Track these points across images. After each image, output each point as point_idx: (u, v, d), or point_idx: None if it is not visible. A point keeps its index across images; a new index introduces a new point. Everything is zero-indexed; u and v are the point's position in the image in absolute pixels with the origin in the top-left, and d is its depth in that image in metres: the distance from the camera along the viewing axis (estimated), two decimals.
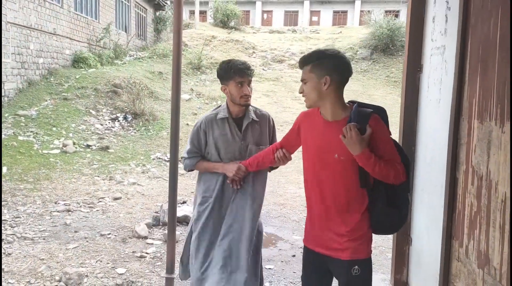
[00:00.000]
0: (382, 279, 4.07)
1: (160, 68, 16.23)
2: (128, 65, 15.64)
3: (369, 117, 1.95)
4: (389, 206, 2.02)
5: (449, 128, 2.35)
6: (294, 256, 4.97)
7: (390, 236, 4.02)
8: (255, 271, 2.60)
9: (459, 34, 2.25)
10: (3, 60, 9.99)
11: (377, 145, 1.96)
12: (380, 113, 2.04)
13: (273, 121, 2.76)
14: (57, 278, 4.18)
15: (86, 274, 4.27)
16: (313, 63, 2.00)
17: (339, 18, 36.16)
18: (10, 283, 4.08)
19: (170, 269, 3.10)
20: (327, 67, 1.98)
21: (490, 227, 1.97)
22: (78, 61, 13.99)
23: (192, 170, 2.72)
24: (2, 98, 9.98)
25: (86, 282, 4.15)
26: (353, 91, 15.71)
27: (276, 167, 2.60)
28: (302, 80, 2.06)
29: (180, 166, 3.31)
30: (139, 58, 17.33)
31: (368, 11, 30.80)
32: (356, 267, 2.02)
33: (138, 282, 4.24)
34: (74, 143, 9.01)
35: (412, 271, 2.95)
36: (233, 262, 2.52)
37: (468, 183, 2.18)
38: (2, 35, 9.87)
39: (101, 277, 4.27)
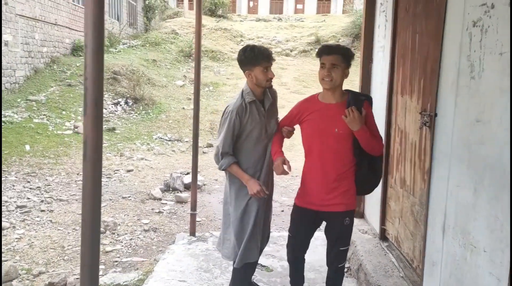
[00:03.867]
0: None
1: (153, 55, 17.11)
2: (123, 53, 16.51)
3: (363, 102, 2.51)
4: (370, 172, 2.59)
5: (386, 102, 3.53)
6: (282, 211, 6.18)
7: None
8: None
9: (391, 38, 3.42)
10: (14, 49, 10.87)
11: (367, 124, 2.49)
12: (370, 100, 2.66)
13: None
14: None
15: (119, 223, 5.41)
16: (343, 55, 2.48)
17: (323, 6, 37.21)
18: (60, 229, 5.19)
19: (193, 207, 4.26)
20: (349, 62, 2.53)
21: (406, 161, 3.16)
22: (77, 50, 14.84)
23: (224, 170, 2.77)
24: (14, 84, 10.88)
25: (120, 229, 5.29)
26: None
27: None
28: (332, 64, 2.46)
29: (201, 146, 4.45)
30: (132, 46, 18.15)
31: None
32: (347, 218, 2.60)
33: (160, 228, 5.40)
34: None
35: (366, 203, 4.16)
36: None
37: (396, 136, 3.36)
38: (13, 26, 10.74)
39: (131, 225, 5.42)
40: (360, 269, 3.33)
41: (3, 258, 4.23)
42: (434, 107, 2.61)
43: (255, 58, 2.64)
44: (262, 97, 2.79)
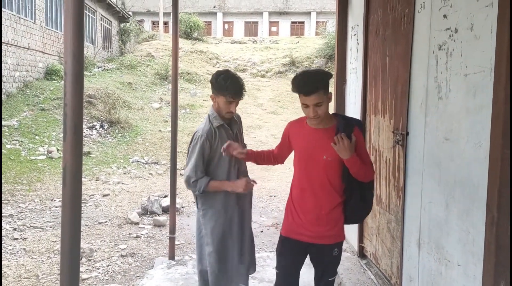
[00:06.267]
0: None
1: (129, 78, 17.06)
2: (98, 77, 16.41)
3: (353, 128, 2.33)
4: (361, 201, 2.40)
5: None
6: (262, 231, 6.17)
7: None
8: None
9: (363, 61, 3.54)
10: None
11: (357, 151, 2.30)
12: (360, 126, 2.46)
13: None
14: None
15: (95, 249, 5.29)
16: (324, 89, 2.25)
17: (297, 29, 38.04)
18: (33, 257, 5.03)
19: (172, 230, 4.22)
20: (328, 84, 2.31)
21: (381, 179, 3.24)
22: (50, 74, 14.67)
23: (204, 192, 2.65)
24: None
25: (96, 255, 5.17)
26: None
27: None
28: (316, 104, 2.24)
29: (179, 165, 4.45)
30: (107, 70, 18.07)
31: (323, 22, 32.78)
32: (336, 249, 2.43)
33: (138, 253, 5.30)
34: (57, 150, 9.82)
35: None
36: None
37: (370, 154, 3.45)
38: None
39: (108, 251, 5.30)
40: None
41: None
42: (406, 126, 2.71)
43: (223, 88, 2.59)
44: (229, 120, 2.76)
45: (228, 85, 2.57)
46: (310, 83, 2.23)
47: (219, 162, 2.66)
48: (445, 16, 2.26)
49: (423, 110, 2.49)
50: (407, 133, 2.69)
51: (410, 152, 2.68)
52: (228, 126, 2.73)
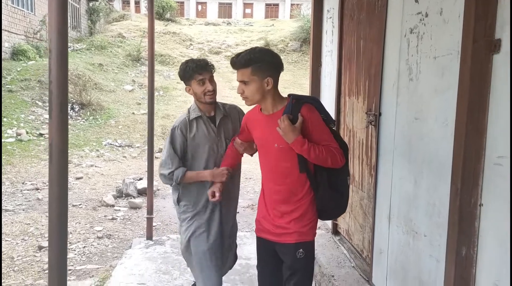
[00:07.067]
0: None
1: (99, 60, 16.65)
2: None
3: (300, 106, 2.06)
4: (331, 190, 2.11)
5: (335, 103, 3.73)
6: (238, 212, 6.24)
7: None
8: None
9: (338, 43, 3.63)
10: None
11: (311, 132, 2.05)
12: (313, 102, 2.16)
13: (241, 110, 2.77)
14: (46, 236, 5.13)
15: (70, 231, 5.27)
16: (253, 65, 2.04)
17: (271, 11, 37.89)
18: (7, 240, 4.98)
19: (150, 211, 4.26)
20: (268, 68, 2.07)
21: (355, 159, 3.37)
22: (17, 54, 14.18)
23: (180, 183, 2.57)
24: None
25: (72, 237, 5.15)
26: (285, 81, 17.21)
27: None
28: (241, 81, 2.09)
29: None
30: (76, 50, 17.56)
31: (297, 5, 32.73)
32: (301, 250, 2.13)
33: (114, 234, 5.32)
34: (27, 132, 9.60)
35: None
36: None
37: (344, 135, 3.57)
38: None
39: (83, 233, 5.31)
40: (314, 262, 3.50)
41: None
42: (379, 107, 2.82)
43: (188, 71, 2.49)
44: (213, 113, 2.62)
45: (189, 65, 2.51)
46: (240, 56, 2.08)
47: (195, 154, 2.58)
48: (416, 0, 2.36)
49: (395, 91, 2.60)
50: (380, 114, 2.81)
51: (382, 132, 2.80)
52: (210, 118, 2.61)
